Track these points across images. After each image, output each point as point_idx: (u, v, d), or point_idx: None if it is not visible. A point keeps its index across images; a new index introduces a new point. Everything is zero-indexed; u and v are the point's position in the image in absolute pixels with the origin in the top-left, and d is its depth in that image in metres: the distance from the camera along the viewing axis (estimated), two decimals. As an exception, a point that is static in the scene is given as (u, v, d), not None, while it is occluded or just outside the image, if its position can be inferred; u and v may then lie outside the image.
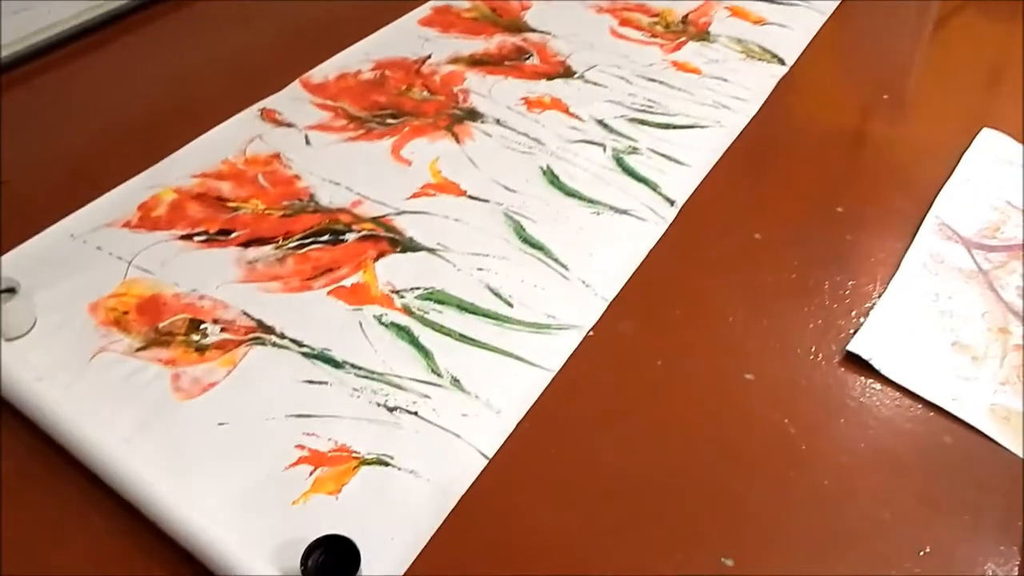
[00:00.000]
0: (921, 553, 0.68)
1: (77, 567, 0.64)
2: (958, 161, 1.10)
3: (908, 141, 1.15)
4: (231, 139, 1.03)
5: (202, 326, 0.80)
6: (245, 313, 0.81)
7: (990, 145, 1.14)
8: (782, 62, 1.25)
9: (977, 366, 0.85)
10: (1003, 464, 0.76)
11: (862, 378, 0.82)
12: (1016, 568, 0.67)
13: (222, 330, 0.80)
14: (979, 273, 0.96)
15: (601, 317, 0.85)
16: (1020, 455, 0.77)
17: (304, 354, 0.78)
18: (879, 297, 0.91)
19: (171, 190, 0.95)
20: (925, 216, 1.01)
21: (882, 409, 0.80)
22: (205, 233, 0.90)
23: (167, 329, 0.79)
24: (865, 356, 0.84)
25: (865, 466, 0.75)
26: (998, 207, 1.05)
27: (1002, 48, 1.42)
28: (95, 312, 0.81)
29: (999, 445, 0.77)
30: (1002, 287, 0.94)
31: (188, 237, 0.89)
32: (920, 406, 0.80)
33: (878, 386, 0.82)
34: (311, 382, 0.76)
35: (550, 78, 1.17)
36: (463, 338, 0.81)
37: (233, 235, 0.90)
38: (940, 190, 1.05)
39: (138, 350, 0.77)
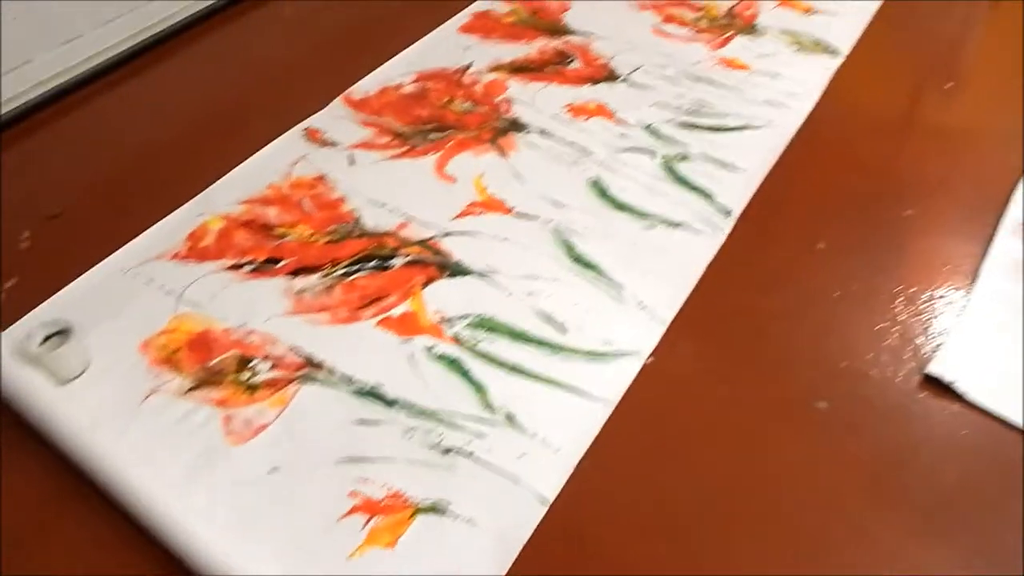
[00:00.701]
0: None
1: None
2: (1034, 152, 0.97)
3: (978, 132, 1.01)
4: (276, 162, 0.96)
5: (251, 363, 0.74)
6: (294, 348, 0.75)
7: (1067, 133, 1.00)
8: (836, 53, 1.12)
9: (1073, 386, 0.74)
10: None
11: (947, 403, 0.72)
12: None
13: (272, 367, 0.73)
14: (1066, 278, 0.83)
15: (659, 341, 0.76)
16: None
17: (355, 392, 0.71)
18: (959, 310, 0.80)
19: (219, 217, 0.88)
20: (1002, 215, 0.89)
21: (972, 439, 0.69)
22: (253, 262, 0.83)
23: (217, 367, 0.73)
24: (947, 379, 0.73)
25: (961, 505, 0.65)
26: (1081, 202, 0.92)
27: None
28: (147, 350, 0.75)
29: (1105, 477, 0.66)
30: (1092, 293, 0.82)
31: (237, 267, 0.83)
32: (1015, 434, 0.70)
33: (966, 412, 0.71)
34: (363, 422, 0.69)
35: (594, 82, 1.07)
36: (516, 369, 0.73)
37: (281, 263, 0.83)
38: (1016, 185, 0.92)
39: (189, 390, 0.72)
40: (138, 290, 0.81)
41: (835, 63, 1.10)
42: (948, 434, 0.70)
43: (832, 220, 0.90)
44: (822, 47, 1.13)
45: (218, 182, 0.93)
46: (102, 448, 0.65)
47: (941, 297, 0.81)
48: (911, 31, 1.23)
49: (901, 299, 0.81)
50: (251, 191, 0.92)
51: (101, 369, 0.73)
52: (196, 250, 0.85)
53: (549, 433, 0.68)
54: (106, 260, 0.84)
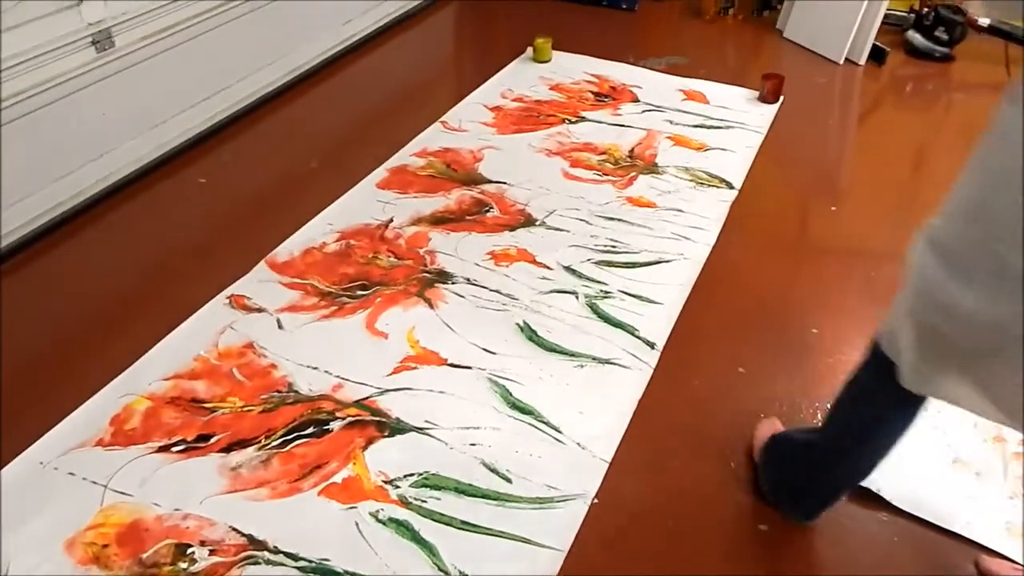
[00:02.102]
0: None
1: None
2: (914, 264, 1.14)
3: (863, 249, 1.19)
4: (201, 332, 1.01)
5: (189, 551, 0.75)
6: (233, 529, 0.77)
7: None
8: (731, 186, 1.30)
9: (981, 483, 0.85)
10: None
11: (875, 512, 0.81)
12: None
13: (211, 552, 0.75)
14: (959, 380, 0.97)
15: (603, 481, 0.83)
16: (1044, 575, 0.76)
17: (301, 569, 0.74)
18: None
19: (144, 397, 0.92)
20: (895, 326, 1.03)
21: (902, 544, 0.79)
22: (183, 442, 0.86)
23: (151, 560, 0.74)
24: (873, 488, 0.83)
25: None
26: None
27: (925, 137, 1.52)
28: (72, 550, 0.75)
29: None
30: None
31: (166, 448, 0.86)
32: (937, 534, 0.80)
33: (894, 519, 0.81)
34: (312, 601, 0.71)
35: (512, 229, 1.20)
36: (465, 525, 0.78)
37: (213, 440, 0.87)
38: (904, 297, 1.08)
39: (121, 589, 0.72)
40: (60, 484, 0.82)
41: (731, 195, 1.28)
42: (883, 543, 0.79)
43: (748, 344, 1.02)
44: (718, 181, 1.31)
45: (141, 359, 0.97)
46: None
47: (855, 409, 0.93)
48: (794, 160, 1.44)
49: (820, 416, 0.92)
50: (176, 366, 0.96)
51: (25, 573, 0.73)
52: (121, 434, 0.88)
53: (505, 590, 0.73)
54: (23, 454, 0.85)
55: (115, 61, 1.24)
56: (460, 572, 0.74)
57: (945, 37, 1.74)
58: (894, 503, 0.82)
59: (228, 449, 0.86)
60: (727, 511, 0.82)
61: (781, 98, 1.55)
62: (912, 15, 1.80)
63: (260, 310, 1.05)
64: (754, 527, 0.80)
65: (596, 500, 0.82)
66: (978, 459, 0.88)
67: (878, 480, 0.85)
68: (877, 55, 1.73)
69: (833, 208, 1.29)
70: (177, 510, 0.79)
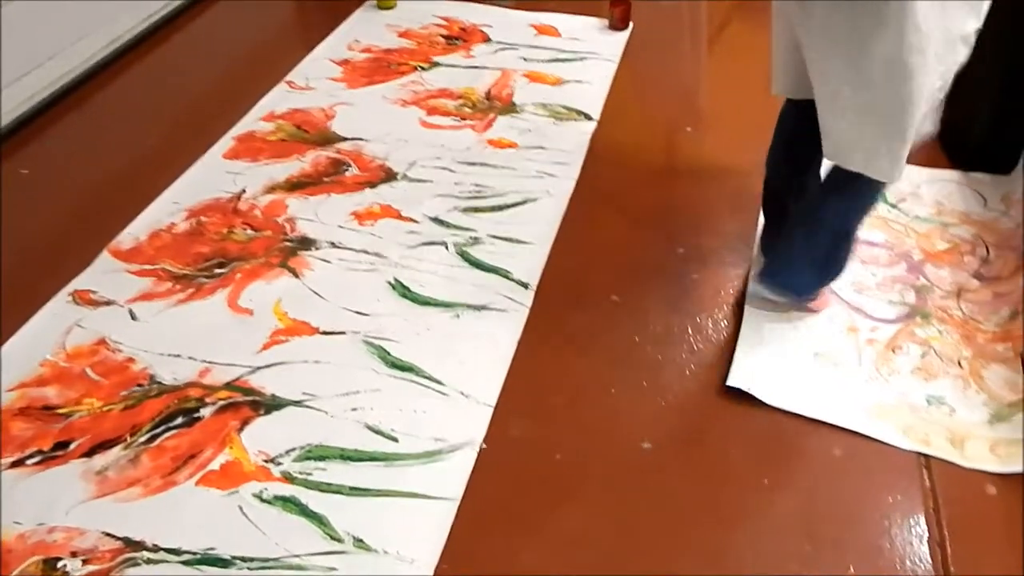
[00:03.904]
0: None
1: None
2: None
3: (722, 166, 1.26)
4: (45, 335, 0.95)
5: (60, 564, 0.73)
6: (107, 534, 0.75)
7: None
8: (589, 117, 1.34)
9: (841, 371, 0.94)
10: (894, 460, 0.84)
11: (750, 410, 0.88)
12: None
13: (84, 563, 0.73)
14: (815, 280, 1.06)
15: (489, 425, 0.86)
16: (904, 447, 0.85)
17: (186, 562, 0.73)
18: (739, 325, 0.98)
19: (-15, 414, 0.86)
20: (754, 237, 1.11)
21: (774, 438, 0.86)
22: (39, 452, 0.82)
23: (18, 581, 0.72)
24: (744, 387, 0.90)
25: (776, 502, 0.80)
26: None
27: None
28: (-76, 587, 0.71)
29: (884, 443, 0.85)
30: (840, 288, 1.05)
31: (19, 463, 0.81)
32: (806, 423, 0.87)
33: (767, 414, 0.88)
34: (202, 592, 0.71)
35: (374, 185, 1.18)
36: (355, 491, 0.79)
37: (72, 446, 0.83)
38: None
39: (-12, 617, 0.69)
40: (-101, 521, 0.77)
41: (591, 127, 1.32)
42: (757, 440, 0.87)
43: (619, 272, 1.07)
44: (576, 114, 1.35)
45: (-23, 373, 0.91)
46: None
47: (722, 320, 1.00)
48: (649, 85, 1.49)
49: (690, 329, 0.98)
50: (21, 374, 0.91)
51: None
52: (-35, 457, 0.83)
53: (401, 547, 0.74)
54: None
55: None
56: (353, 537, 0.75)
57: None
58: (766, 401, 0.89)
59: (91, 453, 0.82)
60: (611, 436, 0.87)
61: (631, 24, 1.60)
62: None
63: (109, 303, 1.00)
64: (638, 446, 0.85)
65: (484, 445, 0.85)
66: (835, 350, 0.96)
67: (748, 379, 0.92)
68: (721, -26, 1.79)
69: (689, 129, 1.36)
70: (41, 524, 0.76)
